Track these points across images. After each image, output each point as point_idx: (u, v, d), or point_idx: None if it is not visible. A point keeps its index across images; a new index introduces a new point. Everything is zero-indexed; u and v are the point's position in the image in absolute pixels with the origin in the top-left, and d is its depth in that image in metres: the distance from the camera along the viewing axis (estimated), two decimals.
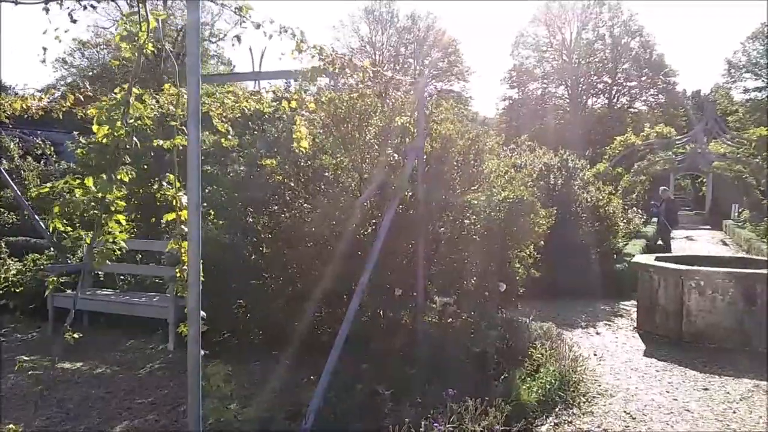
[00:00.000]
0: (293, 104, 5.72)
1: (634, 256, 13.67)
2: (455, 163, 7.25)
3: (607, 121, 55.78)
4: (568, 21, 61.80)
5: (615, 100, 61.65)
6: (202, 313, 3.48)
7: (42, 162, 18.78)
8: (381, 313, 6.91)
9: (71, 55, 51.91)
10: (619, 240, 15.71)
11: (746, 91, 57.03)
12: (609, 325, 9.21)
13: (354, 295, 5.76)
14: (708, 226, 31.13)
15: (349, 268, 6.29)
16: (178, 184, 4.17)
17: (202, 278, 3.50)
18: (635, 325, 9.01)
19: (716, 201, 33.48)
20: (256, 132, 8.76)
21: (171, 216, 4.10)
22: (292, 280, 6.71)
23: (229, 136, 5.99)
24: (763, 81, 56.08)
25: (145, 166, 9.23)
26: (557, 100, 63.79)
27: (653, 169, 25.69)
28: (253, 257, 6.87)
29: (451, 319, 7.15)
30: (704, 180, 35.69)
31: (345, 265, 6.35)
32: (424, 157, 7.02)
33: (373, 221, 6.96)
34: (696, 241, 23.88)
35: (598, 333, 8.67)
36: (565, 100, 63.20)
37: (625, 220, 18.94)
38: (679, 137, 26.64)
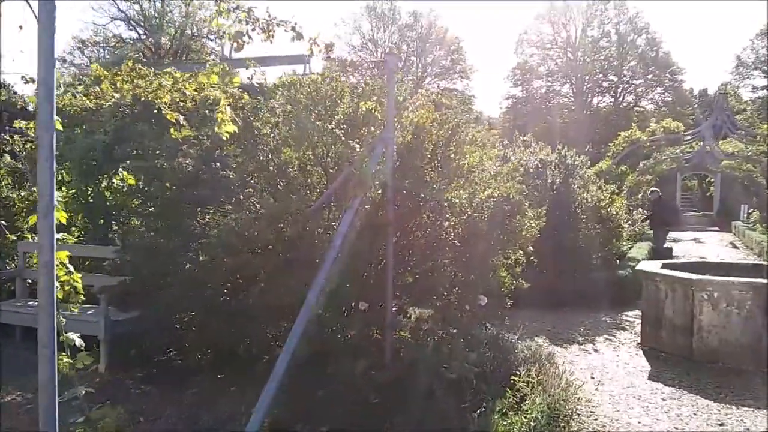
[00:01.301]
0: (213, 79, 4.75)
1: (638, 260, 12.73)
2: (431, 157, 6.29)
3: (613, 120, 54.62)
4: (572, 18, 60.72)
5: (621, 99, 60.52)
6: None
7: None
8: (342, 331, 5.95)
9: (71, 53, 51.30)
10: (624, 243, 14.76)
11: (755, 89, 55.88)
12: (610, 340, 8.23)
13: (300, 314, 4.82)
14: (716, 228, 30.07)
15: (305, 279, 5.34)
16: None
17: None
18: (639, 341, 8.04)
19: (725, 201, 32.36)
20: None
21: (33, 219, 3.16)
22: (234, 292, 5.77)
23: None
24: None
25: (94, 162, 8.32)
26: (562, 98, 62.67)
27: (659, 168, 24.60)
28: (189, 266, 5.93)
29: (425, 338, 6.19)
30: (712, 180, 34.62)
31: (299, 275, 5.41)
32: (395, 149, 6.10)
33: (335, 224, 6.01)
34: (704, 244, 22.86)
35: (596, 350, 7.69)
36: (569, 98, 62.07)
37: (629, 222, 18.01)
38: (687, 133, 25.37)
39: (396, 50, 62.84)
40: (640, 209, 18.30)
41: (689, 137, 25.62)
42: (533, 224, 6.55)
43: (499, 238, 6.29)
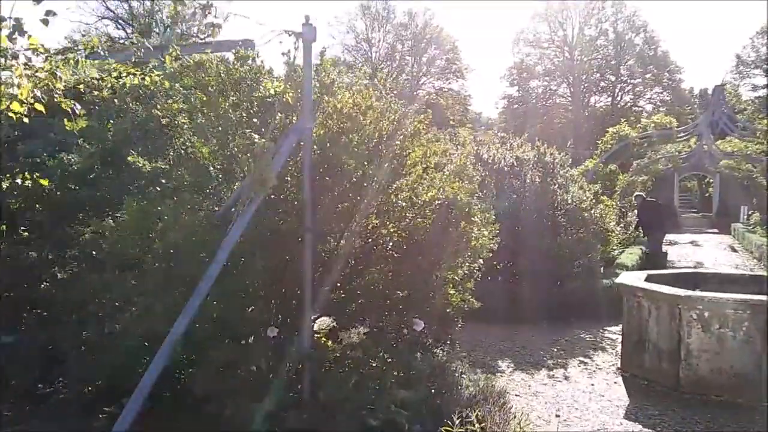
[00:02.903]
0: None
1: (627, 267, 11.66)
2: (359, 151, 5.19)
3: (611, 120, 53.42)
4: (569, 17, 59.57)
5: (619, 98, 59.35)
6: None
7: None
8: (244, 363, 4.85)
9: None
10: (614, 248, 13.65)
11: (755, 88, 54.69)
12: (585, 363, 7.12)
13: (162, 347, 3.75)
14: (715, 230, 28.96)
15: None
16: None
17: None
18: (619, 365, 6.93)
19: (724, 202, 31.22)
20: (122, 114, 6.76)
21: None
22: (108, 317, 4.68)
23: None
24: None
25: None
26: (559, 98, 61.55)
27: (655, 168, 23.40)
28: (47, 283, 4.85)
29: (351, 370, 5.09)
30: (711, 180, 33.49)
31: (184, 296, 4.33)
32: (314, 140, 5.04)
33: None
34: (702, 247, 21.76)
35: (568, 377, 6.58)
36: (567, 98, 60.95)
37: (623, 225, 16.92)
38: (680, 129, 24.02)
39: (390, 50, 61.87)
40: (635, 211, 17.15)
41: (682, 134, 24.31)
42: (484, 232, 5.44)
43: (444, 248, 5.19)
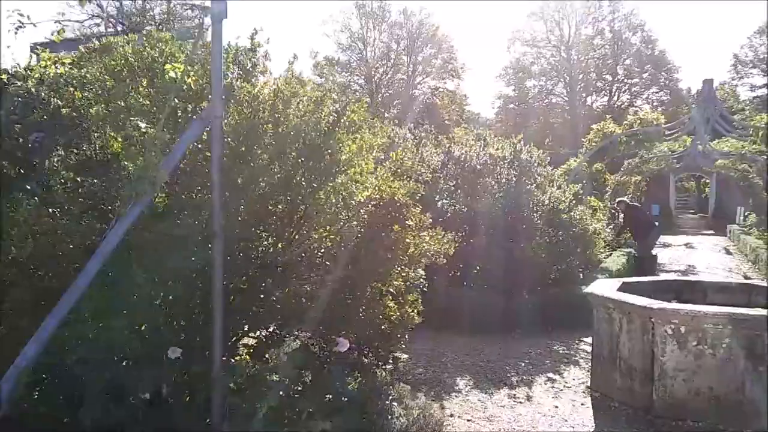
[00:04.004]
0: None
1: (612, 272, 10.99)
2: (278, 144, 4.54)
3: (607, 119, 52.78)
4: (566, 16, 58.93)
5: (616, 98, 58.70)
6: None
7: None
8: (137, 390, 4.18)
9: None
10: (600, 251, 12.97)
11: (753, 88, 54.07)
12: (553, 380, 6.46)
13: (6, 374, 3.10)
14: (711, 231, 28.30)
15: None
16: None
17: None
18: (589, 383, 6.27)
19: (721, 203, 30.58)
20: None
21: None
22: None
23: None
24: None
25: None
26: (555, 98, 60.93)
27: (647, 168, 22.68)
28: None
29: (268, 395, 4.43)
30: (708, 181, 32.82)
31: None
32: (227, 133, 4.40)
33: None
34: (696, 249, 21.10)
35: (530, 397, 5.91)
36: (563, 97, 60.30)
37: (611, 227, 16.26)
38: (666, 125, 23.14)
39: (386, 49, 61.18)
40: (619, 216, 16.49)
41: (671, 131, 23.48)
42: (427, 236, 4.78)
43: (377, 256, 4.54)
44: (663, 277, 8.29)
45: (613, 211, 17.02)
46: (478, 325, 8.30)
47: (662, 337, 5.32)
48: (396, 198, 4.61)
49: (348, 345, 4.37)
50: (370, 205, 4.67)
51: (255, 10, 74.15)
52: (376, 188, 4.68)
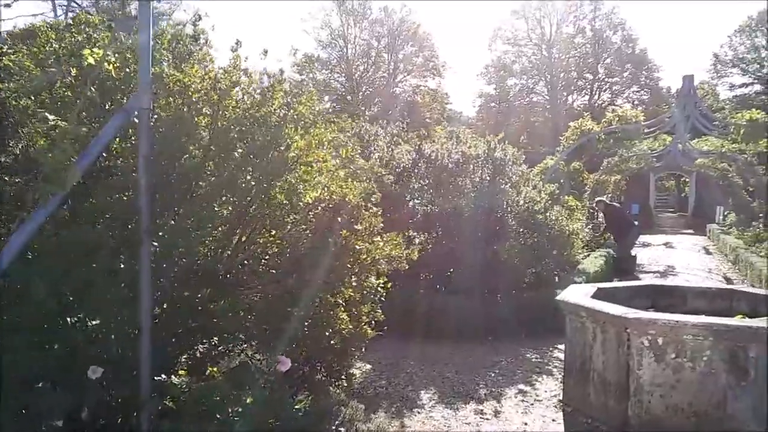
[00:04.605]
0: None
1: (589, 274, 10.64)
2: (214, 138, 4.09)
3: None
4: (547, 14, 58.84)
5: (597, 97, 58.70)
6: None
7: None
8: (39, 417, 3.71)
9: None
10: (578, 252, 12.64)
11: (732, 87, 54.32)
12: (524, 393, 6.06)
13: None
14: (691, 231, 28.21)
15: None
16: None
17: None
18: (562, 396, 5.89)
19: (701, 202, 30.52)
20: None
21: None
22: None
23: None
24: (750, 77, 53.36)
25: None
26: (537, 96, 60.83)
27: (626, 167, 22.42)
28: None
29: (200, 420, 3.98)
30: (688, 180, 32.75)
31: None
32: (157, 127, 3.95)
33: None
34: (675, 249, 20.88)
35: (498, 413, 5.50)
36: (544, 96, 60.22)
37: (590, 227, 16.00)
38: (647, 123, 22.81)
39: (366, 47, 60.66)
40: (598, 215, 16.21)
41: (650, 129, 23.19)
42: (381, 241, 4.35)
43: (322, 263, 4.10)
44: (641, 281, 7.93)
45: (592, 210, 16.75)
46: (449, 332, 7.91)
47: (638, 349, 4.94)
48: (347, 199, 4.17)
49: (290, 364, 3.92)
50: (319, 208, 4.24)
51: (237, 8, 73.34)
52: (325, 188, 4.25)
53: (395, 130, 10.75)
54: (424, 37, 59.92)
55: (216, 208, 4.22)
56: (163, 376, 4.07)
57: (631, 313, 5.05)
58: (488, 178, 9.24)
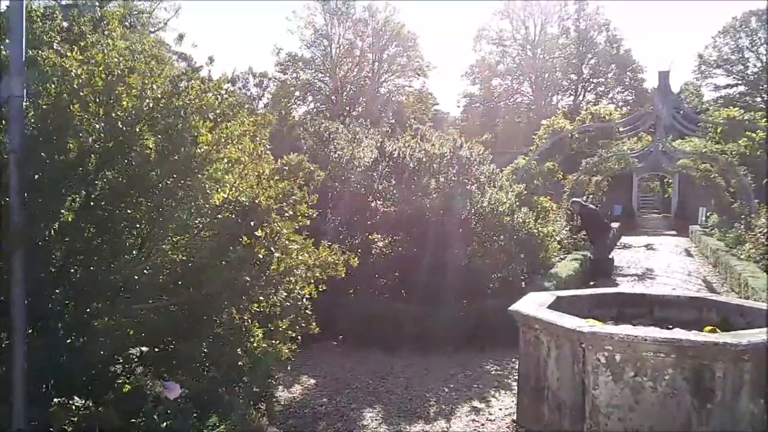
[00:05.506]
0: None
1: (562, 278, 10.18)
2: (103, 128, 3.57)
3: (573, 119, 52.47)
4: (531, 14, 58.57)
5: (581, 97, 58.50)
6: None
7: None
8: None
9: None
10: (553, 255, 12.19)
11: (717, 88, 54.31)
12: (477, 411, 5.58)
13: None
14: (674, 232, 27.90)
15: None
16: None
17: None
18: (515, 416, 5.40)
19: (683, 204, 30.24)
20: None
21: None
22: None
23: None
24: (734, 78, 53.37)
25: None
26: (521, 97, 60.55)
27: (606, 167, 22.03)
28: None
29: None
30: (670, 181, 32.47)
31: None
32: (34, 117, 3.43)
33: None
34: (656, 251, 20.51)
35: None
36: (529, 96, 59.96)
37: (568, 228, 15.55)
38: (620, 122, 22.32)
39: (350, 46, 60.11)
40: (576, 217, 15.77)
41: (623, 126, 22.70)
42: (296, 248, 3.84)
43: (224, 274, 3.58)
44: (605, 289, 7.45)
45: (569, 211, 16.33)
46: (405, 342, 7.42)
47: (594, 366, 4.46)
48: (258, 201, 3.66)
49: (179, 390, 3.40)
50: (226, 211, 3.72)
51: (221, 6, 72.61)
52: (233, 188, 3.74)
53: (357, 127, 10.25)
54: (409, 37, 59.48)
55: (118, 212, 3.72)
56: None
57: (587, 326, 4.57)
58: (453, 178, 8.74)
